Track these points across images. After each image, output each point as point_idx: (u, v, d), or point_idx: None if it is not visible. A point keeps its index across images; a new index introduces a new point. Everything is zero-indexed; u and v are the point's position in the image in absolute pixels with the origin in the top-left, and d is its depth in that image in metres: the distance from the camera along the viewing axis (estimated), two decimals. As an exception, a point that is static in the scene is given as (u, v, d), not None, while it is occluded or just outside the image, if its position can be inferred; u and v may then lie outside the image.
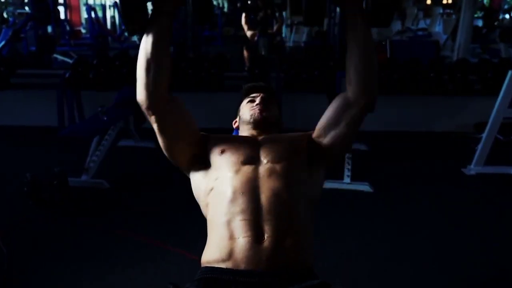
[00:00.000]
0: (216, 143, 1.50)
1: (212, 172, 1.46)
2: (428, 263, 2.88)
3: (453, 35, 9.58)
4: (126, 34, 13.51)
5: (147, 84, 1.34)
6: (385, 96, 4.78)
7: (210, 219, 1.41)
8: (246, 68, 6.18)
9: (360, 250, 3.04)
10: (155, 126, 1.43)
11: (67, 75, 5.06)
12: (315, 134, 1.53)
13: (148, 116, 1.41)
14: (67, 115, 5.03)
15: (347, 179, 3.97)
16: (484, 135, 4.21)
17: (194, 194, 1.51)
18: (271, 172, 1.39)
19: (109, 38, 11.70)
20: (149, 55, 1.33)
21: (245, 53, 7.13)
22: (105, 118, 4.05)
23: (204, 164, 1.48)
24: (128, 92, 4.28)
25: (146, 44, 1.34)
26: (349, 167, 4.05)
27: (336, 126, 1.47)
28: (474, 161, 4.32)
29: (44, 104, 5.43)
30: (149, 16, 1.36)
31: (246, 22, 7.19)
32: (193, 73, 5.64)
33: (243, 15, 7.30)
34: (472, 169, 4.33)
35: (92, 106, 4.68)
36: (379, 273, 2.78)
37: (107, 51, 8.84)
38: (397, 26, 12.97)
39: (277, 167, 1.41)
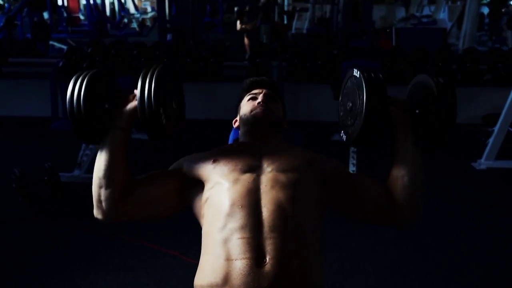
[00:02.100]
0: (203, 157, 1.33)
1: (206, 183, 1.29)
2: (438, 264, 2.75)
3: (458, 22, 9.38)
4: (125, 20, 13.31)
5: (99, 201, 1.24)
6: (390, 86, 4.62)
7: (204, 234, 1.24)
8: (246, 57, 5.99)
9: (365, 254, 2.89)
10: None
11: (60, 64, 4.86)
12: (349, 174, 1.39)
13: None
14: (61, 106, 4.87)
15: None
16: (496, 128, 4.04)
17: (192, 209, 1.34)
18: (275, 183, 1.22)
19: (108, 25, 11.48)
20: (100, 174, 1.22)
21: (246, 40, 6.95)
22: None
23: (197, 186, 1.32)
24: (124, 82, 4.10)
25: (98, 162, 1.23)
26: (354, 161, 3.90)
27: (366, 205, 1.31)
28: (484, 155, 4.18)
29: (37, 94, 5.26)
30: (103, 130, 1.23)
31: (241, 21, 6.99)
32: (191, 62, 5.44)
33: (238, 22, 7.10)
34: (483, 163, 4.18)
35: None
36: (385, 279, 2.65)
37: (105, 38, 8.64)
38: (401, 12, 12.73)
39: (283, 177, 1.24)
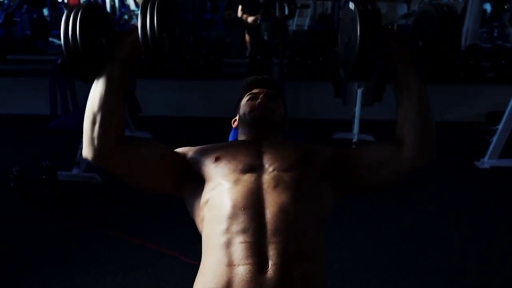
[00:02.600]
0: (207, 152, 1.29)
1: (207, 183, 1.25)
2: (439, 264, 2.72)
3: (460, 19, 9.30)
4: (125, 17, 13.24)
5: (91, 139, 1.15)
6: (392, 84, 4.57)
7: (205, 237, 1.20)
8: (247, 54, 5.93)
9: (367, 254, 2.86)
10: (116, 175, 1.23)
11: (59, 61, 4.80)
12: (349, 152, 1.33)
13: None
14: (60, 104, 4.82)
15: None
16: (499, 126, 3.99)
17: (189, 211, 1.31)
18: (277, 183, 1.18)
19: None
20: (95, 108, 1.14)
21: (247, 37, 6.88)
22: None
23: (196, 181, 1.27)
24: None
25: (93, 94, 1.15)
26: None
27: (378, 169, 1.24)
28: (488, 153, 4.12)
29: (36, 92, 5.21)
30: (100, 63, 1.16)
31: (244, 12, 6.91)
32: (191, 59, 5.39)
33: (239, 7, 7.01)
34: (486, 162, 4.13)
35: (87, 95, 4.44)
36: (386, 279, 2.61)
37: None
38: (403, 9, 12.65)
39: (285, 176, 1.20)
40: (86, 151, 1.17)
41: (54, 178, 3.43)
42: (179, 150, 1.33)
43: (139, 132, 4.67)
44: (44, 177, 3.38)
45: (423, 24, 1.15)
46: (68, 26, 1.11)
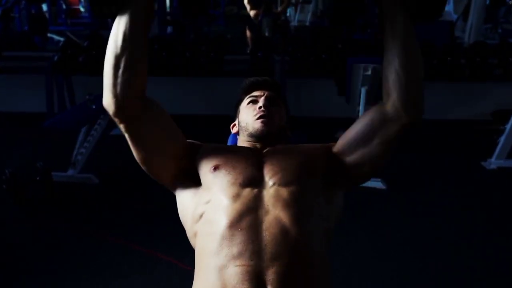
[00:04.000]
0: (207, 156, 1.20)
1: (202, 193, 1.16)
2: (445, 267, 2.67)
3: (464, 14, 9.18)
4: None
5: (115, 85, 1.03)
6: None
7: (198, 255, 1.12)
8: (248, 51, 5.83)
9: (374, 257, 2.78)
10: (127, 136, 1.13)
11: (55, 58, 4.71)
12: (337, 148, 1.22)
13: (118, 124, 1.09)
14: (57, 101, 4.74)
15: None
16: (507, 126, 3.88)
17: (180, 217, 1.22)
18: (277, 199, 1.09)
19: (109, 18, 11.32)
20: (119, 49, 1.02)
21: (248, 33, 6.79)
22: (94, 107, 3.71)
23: (193, 182, 1.19)
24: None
25: (117, 31, 1.02)
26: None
27: (367, 144, 1.16)
28: (495, 154, 4.03)
29: (33, 90, 5.13)
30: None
31: (249, 1, 6.82)
32: (191, 56, 5.28)
33: None
34: (493, 163, 4.03)
35: (85, 92, 4.36)
36: (395, 283, 2.54)
37: (105, 31, 8.47)
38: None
39: (286, 192, 1.10)
40: (108, 100, 1.05)
41: (48, 180, 3.35)
42: (192, 141, 1.26)
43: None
44: (38, 178, 3.30)
45: None
46: None
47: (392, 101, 1.11)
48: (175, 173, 1.20)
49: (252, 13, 6.79)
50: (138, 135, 1.12)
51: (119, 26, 1.03)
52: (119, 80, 1.02)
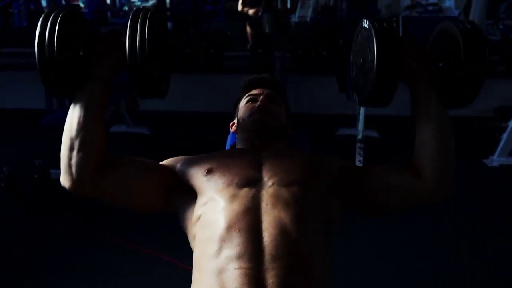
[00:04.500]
0: (198, 163, 1.17)
1: (199, 197, 1.13)
2: (446, 267, 2.65)
3: (466, 10, 9.14)
4: (126, 8, 13.08)
5: (68, 166, 1.05)
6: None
7: (196, 259, 1.09)
8: (248, 47, 5.80)
9: (374, 257, 2.76)
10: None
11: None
12: (356, 168, 1.24)
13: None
14: (56, 98, 4.69)
15: (359, 169, 3.62)
16: (510, 123, 3.87)
17: (181, 226, 1.19)
18: (277, 200, 1.06)
19: (108, 13, 11.27)
20: (73, 133, 1.04)
21: (248, 29, 6.75)
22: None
23: (188, 194, 1.15)
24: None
25: (71, 118, 1.05)
26: (361, 158, 3.73)
27: (389, 193, 1.15)
28: (497, 151, 4.00)
29: (31, 86, 5.06)
30: (79, 81, 1.04)
31: (244, 6, 6.76)
32: (190, 52, 5.25)
33: (240, 1, 6.87)
34: (495, 160, 4.01)
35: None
36: (395, 283, 2.52)
37: (105, 27, 8.45)
38: (406, 1, 12.47)
39: (286, 192, 1.07)
40: (63, 179, 1.07)
41: (47, 178, 3.30)
42: (165, 162, 1.20)
43: (137, 128, 4.55)
44: (36, 176, 3.26)
45: (443, 43, 1.04)
46: (44, 33, 0.99)
47: (427, 180, 1.09)
48: (165, 199, 1.17)
49: (251, 11, 6.74)
50: (108, 199, 1.13)
51: (73, 110, 1.05)
52: (72, 161, 1.04)
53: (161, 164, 1.19)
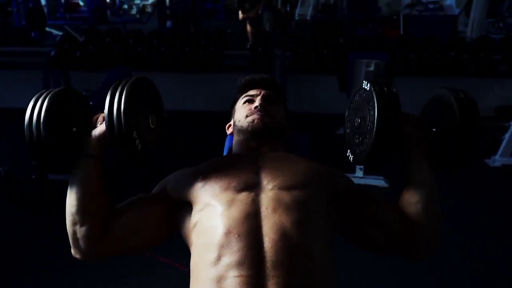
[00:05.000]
0: (189, 175, 1.14)
1: (194, 206, 1.09)
2: (449, 267, 2.62)
3: (466, 9, 9.10)
4: (125, 7, 13.04)
5: (76, 240, 1.09)
6: (398, 77, 4.43)
7: (193, 267, 1.05)
8: (248, 46, 5.77)
9: (374, 257, 2.68)
10: None
11: (52, 53, 4.65)
12: (361, 190, 1.20)
13: None
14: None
15: (359, 173, 3.62)
16: (512, 122, 3.83)
17: (181, 234, 1.15)
18: (277, 204, 1.03)
19: (108, 12, 11.26)
20: (74, 208, 1.06)
21: (248, 28, 6.73)
22: (91, 103, 3.65)
23: (184, 206, 1.12)
24: (118, 72, 3.92)
25: (70, 196, 1.07)
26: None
27: (377, 232, 1.14)
28: (499, 151, 3.99)
29: (30, 85, 5.03)
30: (72, 160, 1.06)
31: (243, 13, 6.76)
32: (190, 51, 5.22)
33: (240, 12, 6.86)
34: (497, 160, 3.99)
35: (82, 88, 4.31)
36: (395, 283, 2.51)
37: (103, 26, 8.42)
38: (407, -1, 12.42)
39: (287, 196, 1.04)
40: (74, 252, 1.11)
41: (44, 178, 3.30)
42: (156, 189, 1.18)
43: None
44: (34, 176, 3.27)
45: (437, 109, 1.08)
46: (32, 118, 1.00)
47: (409, 237, 1.10)
48: (169, 226, 1.15)
49: (251, 14, 6.73)
50: (120, 252, 1.13)
51: (71, 187, 1.06)
52: (79, 235, 1.07)
53: (153, 194, 1.17)
